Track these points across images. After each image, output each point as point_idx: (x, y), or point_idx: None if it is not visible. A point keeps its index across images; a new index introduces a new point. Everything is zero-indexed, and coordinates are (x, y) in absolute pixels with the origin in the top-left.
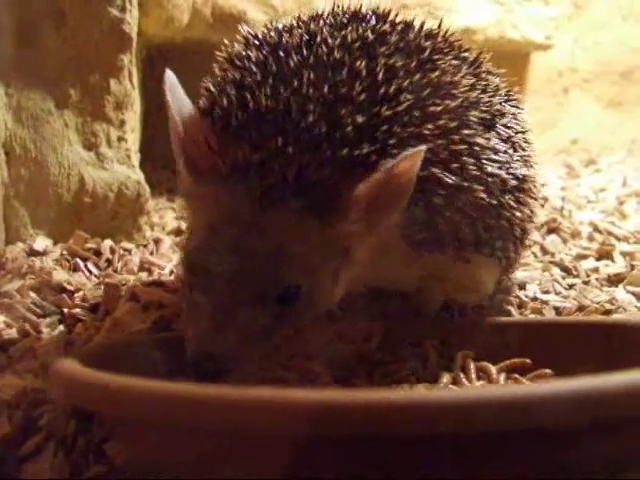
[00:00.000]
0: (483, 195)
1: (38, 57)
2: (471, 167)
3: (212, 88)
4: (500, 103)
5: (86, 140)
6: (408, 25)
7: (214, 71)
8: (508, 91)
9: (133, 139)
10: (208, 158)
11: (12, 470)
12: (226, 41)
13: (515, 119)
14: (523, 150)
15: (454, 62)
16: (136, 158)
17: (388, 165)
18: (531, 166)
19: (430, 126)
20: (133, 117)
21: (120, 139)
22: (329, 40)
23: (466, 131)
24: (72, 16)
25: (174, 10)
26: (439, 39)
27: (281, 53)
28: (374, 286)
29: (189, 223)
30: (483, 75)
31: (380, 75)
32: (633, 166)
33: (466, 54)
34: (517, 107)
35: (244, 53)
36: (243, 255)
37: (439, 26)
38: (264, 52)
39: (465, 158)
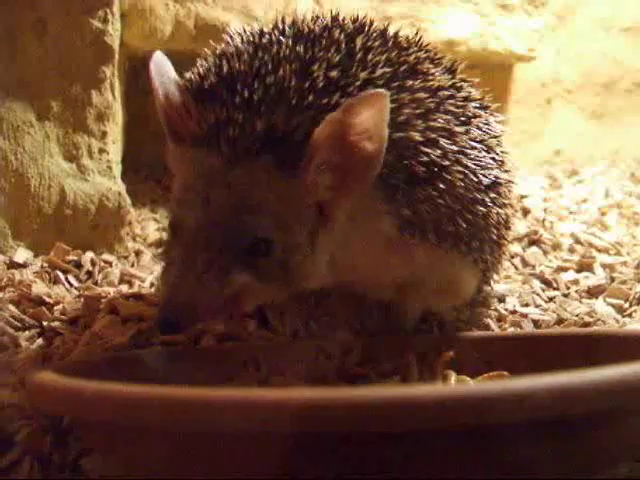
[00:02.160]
0: (461, 184)
1: (19, 68)
2: (449, 148)
3: (198, 62)
4: (474, 107)
5: (67, 152)
6: (384, 31)
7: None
8: (482, 98)
9: (115, 150)
10: (186, 123)
11: None
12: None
13: (488, 124)
14: (496, 154)
15: (430, 64)
16: (118, 169)
17: (345, 104)
18: (505, 171)
19: (407, 96)
20: (115, 128)
21: (101, 151)
22: (310, 25)
23: (444, 116)
24: (53, 27)
25: (157, 22)
26: (414, 46)
27: (265, 34)
28: (356, 284)
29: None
30: (457, 80)
31: (358, 47)
32: (615, 177)
33: (442, 60)
34: (491, 114)
35: (230, 39)
36: (210, 208)
37: (416, 34)
38: (250, 32)
39: (443, 140)
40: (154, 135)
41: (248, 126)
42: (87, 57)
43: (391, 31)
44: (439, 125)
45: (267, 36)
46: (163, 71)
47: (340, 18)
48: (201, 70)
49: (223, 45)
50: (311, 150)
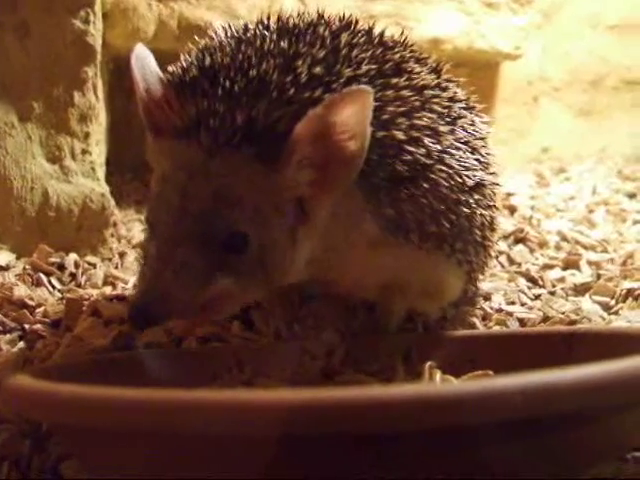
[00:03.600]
0: (445, 184)
1: (0, 69)
2: (433, 147)
3: (181, 57)
4: (459, 108)
5: (50, 153)
6: (370, 29)
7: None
8: (467, 99)
9: (98, 152)
10: (166, 116)
11: None
12: None
13: (473, 125)
14: (482, 156)
15: (415, 63)
16: (101, 171)
17: (328, 100)
18: (490, 173)
19: (392, 94)
20: (98, 129)
21: (84, 152)
22: (295, 20)
23: (429, 115)
24: (35, 28)
25: (140, 22)
26: (400, 45)
27: (250, 29)
28: (340, 284)
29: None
30: (443, 81)
31: (343, 44)
32: (603, 174)
33: (427, 60)
34: (477, 115)
35: (214, 33)
36: (187, 198)
37: (401, 34)
38: (234, 27)
39: (427, 139)
40: (139, 135)
41: (229, 117)
42: (69, 58)
43: (377, 30)
44: (423, 124)
45: (251, 31)
46: (145, 64)
47: (326, 16)
48: (184, 64)
49: (207, 40)
50: (292, 145)
